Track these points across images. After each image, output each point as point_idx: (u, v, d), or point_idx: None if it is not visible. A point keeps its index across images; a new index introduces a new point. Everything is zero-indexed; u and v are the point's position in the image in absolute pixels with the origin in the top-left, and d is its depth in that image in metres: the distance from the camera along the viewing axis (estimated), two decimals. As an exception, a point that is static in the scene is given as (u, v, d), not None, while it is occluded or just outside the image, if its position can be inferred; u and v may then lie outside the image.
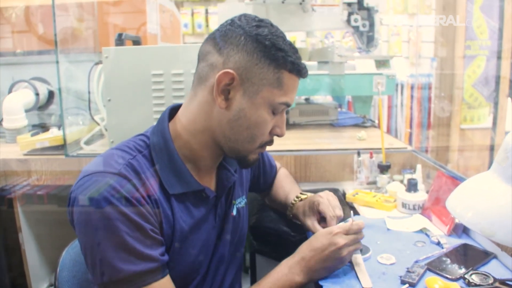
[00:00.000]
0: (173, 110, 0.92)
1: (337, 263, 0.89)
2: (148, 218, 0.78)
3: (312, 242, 0.90)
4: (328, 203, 1.04)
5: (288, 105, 0.86)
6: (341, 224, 0.97)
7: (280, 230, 1.18)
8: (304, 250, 0.90)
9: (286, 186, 1.23)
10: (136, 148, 0.85)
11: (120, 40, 1.43)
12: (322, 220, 1.06)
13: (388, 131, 3.56)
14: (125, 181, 0.77)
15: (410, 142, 3.52)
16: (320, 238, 0.90)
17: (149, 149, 0.86)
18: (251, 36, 0.81)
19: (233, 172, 0.98)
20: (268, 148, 1.17)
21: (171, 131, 0.88)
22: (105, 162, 0.80)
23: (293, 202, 1.15)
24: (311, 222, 1.05)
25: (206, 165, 0.92)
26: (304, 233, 1.13)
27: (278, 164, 1.31)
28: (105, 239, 0.74)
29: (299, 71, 0.85)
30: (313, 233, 1.02)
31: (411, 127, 3.57)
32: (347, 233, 0.90)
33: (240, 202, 1.03)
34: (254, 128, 0.85)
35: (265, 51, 0.81)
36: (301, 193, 1.17)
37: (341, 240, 0.88)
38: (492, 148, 2.48)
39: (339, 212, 1.03)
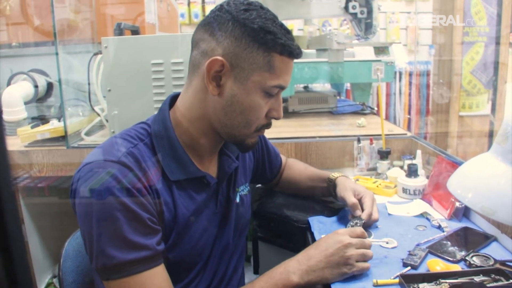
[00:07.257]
0: (174, 99, 0.92)
1: (341, 262, 0.84)
2: (146, 207, 0.78)
3: (317, 243, 0.89)
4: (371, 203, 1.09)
5: (282, 87, 0.85)
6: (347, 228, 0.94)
7: (283, 215, 1.18)
8: (308, 249, 0.88)
9: (311, 167, 1.30)
10: (137, 137, 0.85)
11: (119, 30, 1.42)
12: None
13: (387, 118, 3.56)
14: (126, 169, 0.77)
15: (409, 129, 3.52)
16: (325, 238, 0.88)
17: (150, 137, 0.86)
18: (238, 21, 0.80)
19: (234, 159, 0.98)
20: (268, 135, 1.16)
21: (172, 119, 0.88)
22: (106, 150, 0.81)
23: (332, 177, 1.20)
24: (349, 194, 1.09)
25: (206, 151, 0.92)
26: (307, 217, 1.14)
27: (283, 156, 1.32)
28: (101, 227, 0.75)
29: (291, 52, 0.83)
30: (346, 204, 1.08)
31: (409, 113, 3.57)
32: (351, 234, 0.88)
33: (243, 189, 1.04)
34: (248, 113, 0.85)
35: (253, 35, 0.79)
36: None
37: (346, 238, 0.86)
38: (490, 135, 2.48)
39: (376, 215, 1.08)
